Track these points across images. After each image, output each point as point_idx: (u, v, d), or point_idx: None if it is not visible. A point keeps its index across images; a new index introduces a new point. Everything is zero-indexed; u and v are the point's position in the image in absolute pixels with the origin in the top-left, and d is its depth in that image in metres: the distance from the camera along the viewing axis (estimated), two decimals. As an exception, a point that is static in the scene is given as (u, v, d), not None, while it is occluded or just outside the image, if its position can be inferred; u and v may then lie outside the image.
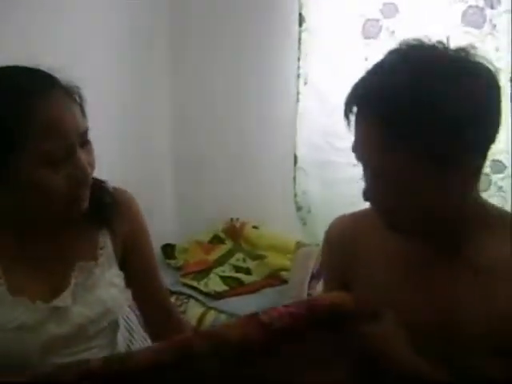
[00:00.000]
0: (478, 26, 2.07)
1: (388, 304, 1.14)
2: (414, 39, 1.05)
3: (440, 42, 1.03)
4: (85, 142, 1.16)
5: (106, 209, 1.30)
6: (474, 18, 2.07)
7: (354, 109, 1.05)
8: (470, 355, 1.10)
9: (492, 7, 2.06)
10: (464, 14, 2.10)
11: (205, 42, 3.01)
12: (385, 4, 2.32)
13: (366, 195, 1.11)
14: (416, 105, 0.97)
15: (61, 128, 1.11)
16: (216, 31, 2.97)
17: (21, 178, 1.11)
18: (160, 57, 3.08)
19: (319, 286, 2.34)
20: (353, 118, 1.06)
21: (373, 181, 1.09)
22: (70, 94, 1.15)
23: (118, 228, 1.32)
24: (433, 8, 2.16)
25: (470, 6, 2.10)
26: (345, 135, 2.54)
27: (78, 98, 1.17)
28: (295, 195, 2.73)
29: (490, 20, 2.06)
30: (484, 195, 1.15)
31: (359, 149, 1.08)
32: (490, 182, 2.22)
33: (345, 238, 1.27)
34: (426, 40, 1.03)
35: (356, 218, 1.30)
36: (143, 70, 2.98)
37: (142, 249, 1.38)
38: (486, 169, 2.05)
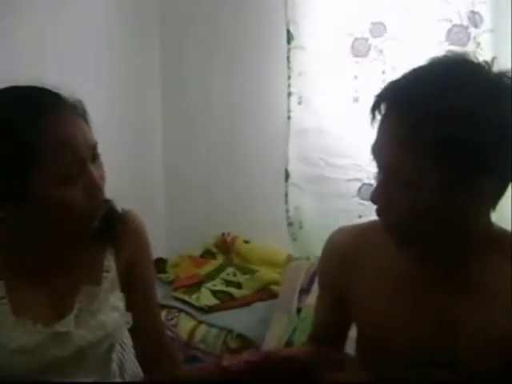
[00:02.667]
0: (463, 44, 2.11)
1: (389, 321, 1.16)
2: (460, 53, 1.06)
3: (486, 62, 1.02)
4: (95, 157, 1.17)
5: (114, 229, 1.29)
6: (458, 37, 2.12)
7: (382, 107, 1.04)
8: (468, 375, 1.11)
9: (476, 26, 2.11)
10: (449, 32, 2.15)
11: (197, 56, 3.06)
12: (373, 23, 2.37)
13: (376, 199, 1.07)
14: (453, 116, 0.96)
15: (73, 143, 1.12)
16: (207, 49, 3.02)
17: (38, 196, 1.11)
18: (151, 64, 3.12)
19: (309, 300, 2.36)
20: (377, 116, 1.05)
21: (388, 185, 1.05)
22: (76, 110, 1.17)
23: (123, 250, 1.32)
24: (419, 27, 2.21)
25: (455, 25, 2.15)
26: (338, 152, 2.58)
27: (83, 113, 1.19)
28: (287, 211, 2.75)
29: (474, 38, 2.11)
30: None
31: (382, 148, 1.05)
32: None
33: (345, 251, 1.25)
34: (471, 56, 1.03)
35: (358, 231, 1.28)
36: (134, 79, 3.01)
37: (144, 276, 1.37)
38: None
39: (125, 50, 2.94)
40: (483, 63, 1.02)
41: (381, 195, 1.06)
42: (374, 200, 1.08)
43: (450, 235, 1.08)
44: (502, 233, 1.15)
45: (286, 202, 2.75)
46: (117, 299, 1.31)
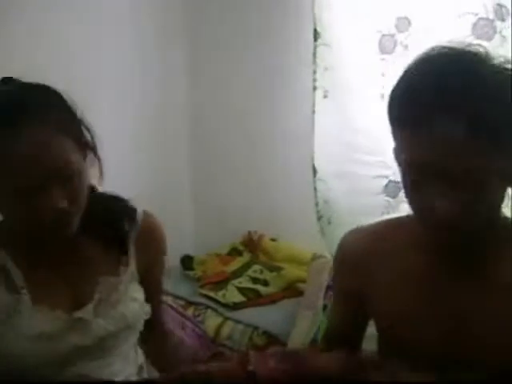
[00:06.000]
0: (489, 38, 2.08)
1: (410, 320, 1.16)
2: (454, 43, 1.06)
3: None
4: (66, 177, 1.17)
5: (127, 234, 1.35)
6: (484, 30, 2.09)
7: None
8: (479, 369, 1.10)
9: (502, 19, 2.08)
10: (474, 26, 2.12)
11: (221, 54, 3.06)
12: (398, 18, 2.34)
13: (450, 211, 1.02)
14: (502, 107, 0.99)
15: (28, 165, 1.12)
16: (230, 45, 3.02)
17: None
18: (178, 61, 3.13)
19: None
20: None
21: (462, 191, 1.01)
22: (56, 126, 1.15)
23: (142, 251, 1.37)
24: (443, 20, 2.18)
25: (481, 18, 2.12)
26: (364, 148, 2.56)
27: (66, 123, 1.18)
28: (316, 204, 2.73)
29: (500, 32, 2.07)
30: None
31: (447, 156, 1.00)
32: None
33: (359, 253, 1.25)
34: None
35: (369, 232, 1.28)
36: (160, 79, 3.03)
37: (156, 274, 1.46)
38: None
39: (153, 48, 2.96)
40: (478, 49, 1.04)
41: (454, 205, 1.02)
42: (443, 214, 1.02)
43: (482, 229, 1.08)
44: (508, 221, 1.16)
45: (316, 196, 2.73)
46: (136, 290, 1.35)
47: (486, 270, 1.12)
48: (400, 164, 1.09)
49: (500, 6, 2.08)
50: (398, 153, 1.08)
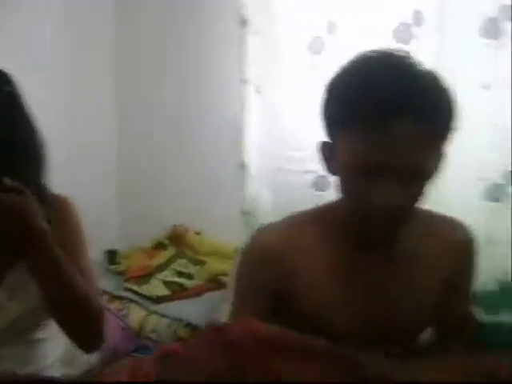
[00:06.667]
0: (406, 42, 2.18)
1: (332, 309, 1.20)
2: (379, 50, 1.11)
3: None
4: None
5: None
6: (402, 35, 2.19)
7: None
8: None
9: (419, 24, 2.18)
10: (395, 30, 2.21)
11: (150, 45, 3.08)
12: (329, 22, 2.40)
13: (400, 201, 1.08)
14: (449, 107, 1.08)
15: None
16: (160, 37, 3.04)
17: None
18: (104, 60, 3.13)
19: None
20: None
21: (413, 185, 1.08)
22: None
23: (55, 231, 1.31)
24: (367, 25, 2.27)
25: (401, 24, 2.21)
26: (294, 144, 2.59)
27: None
28: (243, 200, 2.75)
29: (416, 36, 2.18)
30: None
31: (407, 150, 1.05)
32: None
33: (277, 250, 1.23)
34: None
35: (285, 228, 1.28)
36: (86, 75, 3.02)
37: (74, 245, 1.39)
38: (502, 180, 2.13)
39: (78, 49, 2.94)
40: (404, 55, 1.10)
41: (405, 196, 1.08)
42: (392, 203, 1.07)
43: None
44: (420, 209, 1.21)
45: (243, 191, 2.74)
46: None
47: (398, 252, 1.21)
48: (332, 159, 1.15)
49: (417, 12, 2.18)
50: (340, 148, 1.12)
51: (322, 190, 2.50)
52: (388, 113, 1.02)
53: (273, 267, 1.23)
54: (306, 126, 2.43)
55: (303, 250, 1.23)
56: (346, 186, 1.14)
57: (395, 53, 1.10)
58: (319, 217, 1.27)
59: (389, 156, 1.04)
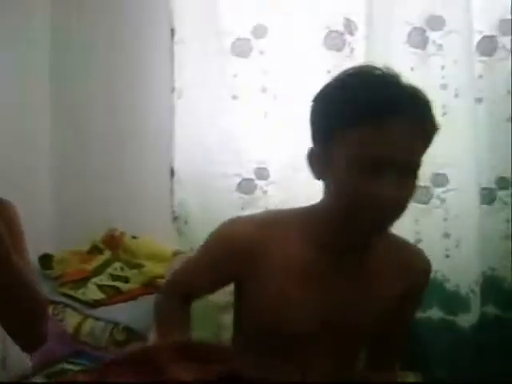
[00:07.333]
0: (339, 49, 2.25)
1: (288, 306, 1.25)
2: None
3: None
4: None
5: None
6: (334, 42, 2.25)
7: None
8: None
9: (351, 33, 2.25)
10: (326, 37, 2.28)
11: (81, 53, 3.06)
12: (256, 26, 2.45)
13: (398, 197, 1.14)
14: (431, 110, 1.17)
15: None
16: (90, 44, 3.03)
17: None
18: (39, 65, 3.08)
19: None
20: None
21: (409, 181, 1.16)
22: None
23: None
24: (298, 31, 2.32)
25: (332, 31, 2.28)
26: (219, 148, 2.64)
27: None
28: (172, 206, 2.78)
29: (349, 44, 2.25)
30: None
31: (403, 149, 1.13)
32: (431, 196, 2.30)
33: (246, 241, 1.28)
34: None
35: (257, 222, 1.32)
36: (22, 74, 2.96)
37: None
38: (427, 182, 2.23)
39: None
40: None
41: (404, 192, 1.16)
42: (391, 199, 1.13)
43: None
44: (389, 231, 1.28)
45: (171, 197, 2.77)
46: None
47: (365, 266, 1.28)
48: (319, 164, 1.20)
49: (349, 20, 2.26)
50: (338, 148, 1.16)
51: (248, 193, 2.54)
52: (386, 112, 1.09)
53: (239, 257, 1.29)
54: (230, 130, 2.48)
55: (272, 247, 1.27)
56: (343, 186, 1.17)
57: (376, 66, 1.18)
58: (294, 217, 1.32)
59: (389, 151, 1.11)
